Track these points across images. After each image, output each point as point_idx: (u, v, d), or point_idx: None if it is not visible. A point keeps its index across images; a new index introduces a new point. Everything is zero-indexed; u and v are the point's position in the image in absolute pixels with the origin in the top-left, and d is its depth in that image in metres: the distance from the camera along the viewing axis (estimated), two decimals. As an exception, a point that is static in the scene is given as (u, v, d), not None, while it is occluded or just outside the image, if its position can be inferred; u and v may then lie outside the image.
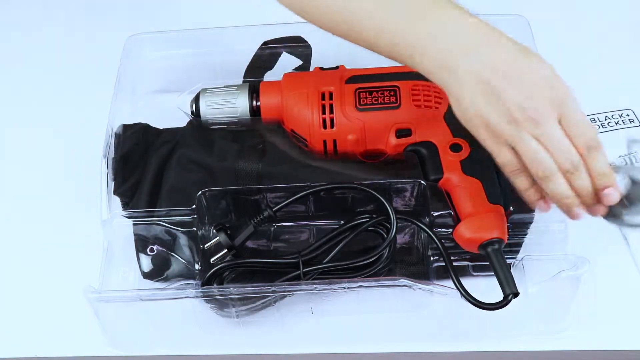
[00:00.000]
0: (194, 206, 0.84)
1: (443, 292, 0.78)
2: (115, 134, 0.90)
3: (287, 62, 0.98)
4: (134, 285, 0.85)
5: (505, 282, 0.77)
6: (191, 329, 0.84)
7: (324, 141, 0.86)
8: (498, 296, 0.77)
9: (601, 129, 0.96)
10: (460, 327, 0.83)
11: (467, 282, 0.79)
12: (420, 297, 0.79)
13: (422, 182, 0.85)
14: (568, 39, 1.05)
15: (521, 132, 0.71)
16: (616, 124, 0.96)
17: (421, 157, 0.86)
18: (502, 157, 0.73)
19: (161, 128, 0.92)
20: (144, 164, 0.88)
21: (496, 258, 0.79)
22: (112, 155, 0.88)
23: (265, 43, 0.97)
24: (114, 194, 0.87)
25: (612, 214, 0.76)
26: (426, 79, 0.86)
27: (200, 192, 0.85)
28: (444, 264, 0.81)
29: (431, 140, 0.86)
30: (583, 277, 0.78)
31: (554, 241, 0.84)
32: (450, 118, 0.86)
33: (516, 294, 0.76)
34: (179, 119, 0.92)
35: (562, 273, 0.78)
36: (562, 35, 1.05)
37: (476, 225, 0.81)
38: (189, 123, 0.92)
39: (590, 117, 0.97)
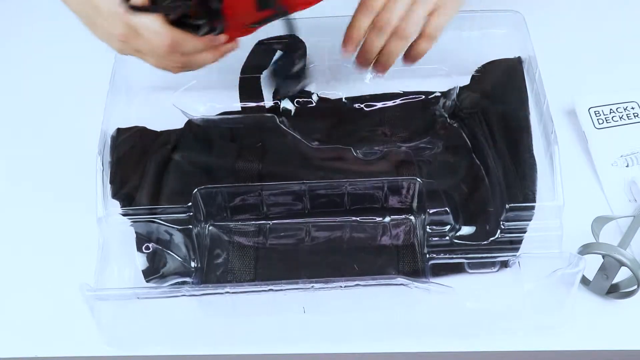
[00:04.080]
0: (190, 204, 0.84)
1: (440, 290, 0.78)
2: (111, 137, 0.89)
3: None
4: (130, 283, 0.85)
5: None
6: (189, 329, 0.84)
7: None
8: (493, 296, 0.77)
9: (605, 124, 0.95)
10: (456, 324, 0.82)
11: (463, 279, 0.79)
12: (417, 295, 0.78)
13: (419, 179, 0.85)
14: (564, 35, 1.05)
15: None
16: (620, 118, 0.96)
17: None
18: None
19: (158, 130, 0.92)
20: (142, 168, 0.88)
21: None
22: (107, 151, 0.88)
23: (260, 42, 0.97)
24: (113, 198, 0.86)
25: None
26: None
27: (195, 190, 0.85)
28: (440, 261, 0.82)
29: None
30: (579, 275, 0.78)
31: (549, 239, 0.84)
32: None
33: None
34: (175, 116, 0.93)
35: (557, 271, 0.77)
36: (557, 31, 1.05)
37: None
38: (187, 124, 0.92)
39: (595, 109, 0.96)
